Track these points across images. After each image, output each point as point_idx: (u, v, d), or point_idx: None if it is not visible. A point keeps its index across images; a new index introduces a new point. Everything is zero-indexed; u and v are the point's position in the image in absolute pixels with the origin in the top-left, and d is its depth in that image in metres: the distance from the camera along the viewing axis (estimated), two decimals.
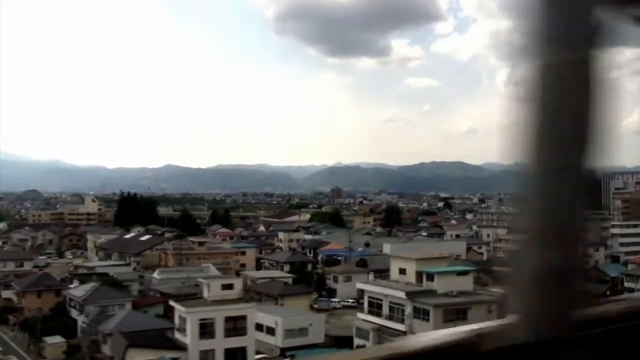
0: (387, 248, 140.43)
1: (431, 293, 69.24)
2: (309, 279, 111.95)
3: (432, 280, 70.92)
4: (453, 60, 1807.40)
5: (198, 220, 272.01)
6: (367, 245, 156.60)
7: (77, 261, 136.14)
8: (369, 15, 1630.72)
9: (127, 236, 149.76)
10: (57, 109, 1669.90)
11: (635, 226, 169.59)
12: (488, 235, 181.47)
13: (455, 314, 66.08)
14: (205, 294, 71.22)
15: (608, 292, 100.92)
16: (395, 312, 70.26)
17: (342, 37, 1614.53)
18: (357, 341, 70.83)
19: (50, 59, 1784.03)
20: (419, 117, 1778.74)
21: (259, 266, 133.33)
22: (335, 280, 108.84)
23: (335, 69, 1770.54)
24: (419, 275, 72.77)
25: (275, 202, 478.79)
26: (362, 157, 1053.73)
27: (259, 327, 71.46)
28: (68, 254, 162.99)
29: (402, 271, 75.76)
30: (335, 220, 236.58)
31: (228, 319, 65.68)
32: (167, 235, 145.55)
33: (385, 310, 71.55)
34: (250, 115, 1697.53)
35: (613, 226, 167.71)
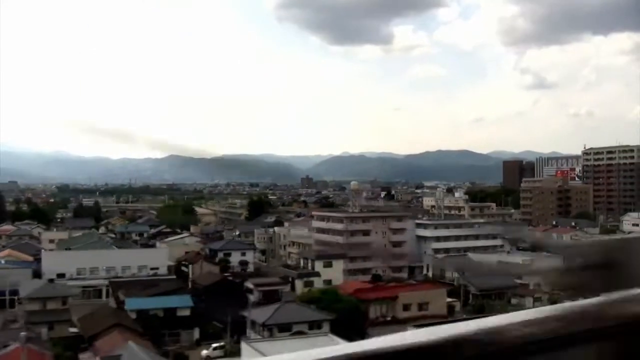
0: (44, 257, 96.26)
1: None
2: None
3: None
4: (457, 48, 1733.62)
5: (66, 214, 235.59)
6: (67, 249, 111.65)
7: None
8: (371, 2, 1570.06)
9: None
10: (62, 100, 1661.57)
11: (459, 226, 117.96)
12: (284, 237, 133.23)
13: None
14: None
15: None
16: None
17: (344, 24, 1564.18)
18: None
19: (54, 51, 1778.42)
20: (424, 105, 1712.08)
21: None
22: None
23: (339, 57, 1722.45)
24: None
25: (245, 192, 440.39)
26: (368, 147, 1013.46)
27: None
28: None
29: None
30: (188, 212, 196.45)
31: None
32: None
33: None
34: (256, 105, 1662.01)
35: (426, 226, 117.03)
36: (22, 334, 66.04)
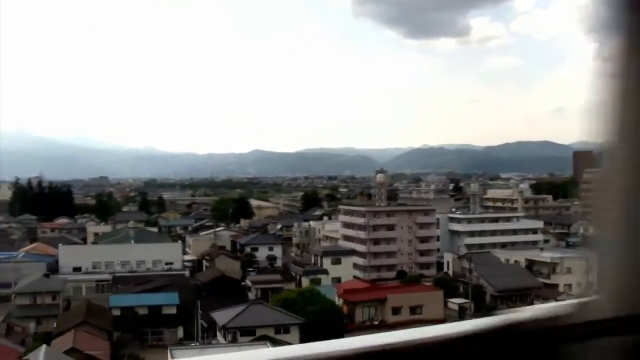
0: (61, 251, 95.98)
1: None
2: None
3: None
4: (535, 38, 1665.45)
5: (132, 208, 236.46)
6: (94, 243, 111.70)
7: None
8: None
9: None
10: (150, 97, 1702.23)
11: (495, 220, 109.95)
12: (319, 231, 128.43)
13: None
14: None
15: None
16: None
17: (420, 17, 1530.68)
18: None
19: (136, 50, 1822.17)
20: (502, 96, 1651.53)
21: None
22: None
23: (416, 50, 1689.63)
24: None
25: (321, 185, 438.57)
26: (447, 139, 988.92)
27: None
28: None
29: None
30: (242, 205, 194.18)
31: None
32: None
33: None
34: (337, 100, 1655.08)
35: (459, 221, 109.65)
36: None
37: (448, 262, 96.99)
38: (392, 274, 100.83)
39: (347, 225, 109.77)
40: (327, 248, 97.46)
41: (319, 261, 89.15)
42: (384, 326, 62.72)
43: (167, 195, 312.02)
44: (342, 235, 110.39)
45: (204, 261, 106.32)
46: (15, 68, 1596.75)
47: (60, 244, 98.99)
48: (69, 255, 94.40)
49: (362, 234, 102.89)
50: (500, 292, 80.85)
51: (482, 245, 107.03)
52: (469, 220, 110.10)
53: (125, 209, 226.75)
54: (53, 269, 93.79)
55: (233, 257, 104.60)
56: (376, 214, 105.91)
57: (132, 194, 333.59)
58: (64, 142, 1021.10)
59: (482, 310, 76.67)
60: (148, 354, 64.54)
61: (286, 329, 56.66)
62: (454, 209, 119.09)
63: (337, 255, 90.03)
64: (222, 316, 57.76)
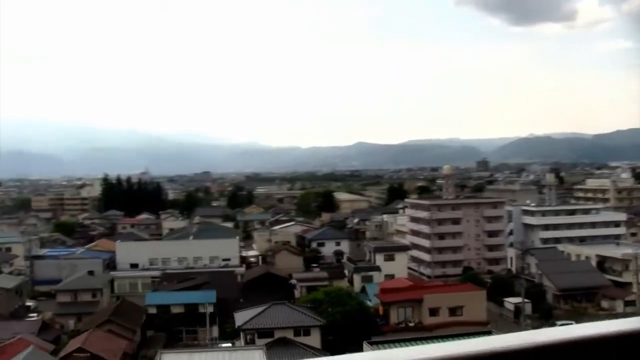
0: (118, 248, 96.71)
1: None
2: None
3: None
4: None
5: (217, 203, 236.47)
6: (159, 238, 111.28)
7: None
8: None
9: None
10: (256, 94, 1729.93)
11: (572, 212, 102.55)
12: (391, 225, 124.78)
13: None
14: None
15: None
16: None
17: (524, 3, 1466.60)
18: None
19: (240, 47, 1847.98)
20: (613, 82, 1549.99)
21: None
22: None
23: (520, 37, 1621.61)
24: None
25: (422, 177, 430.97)
26: (555, 128, 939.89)
27: None
28: None
29: None
30: (327, 199, 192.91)
31: None
32: None
33: None
34: (441, 90, 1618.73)
35: (533, 213, 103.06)
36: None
37: (511, 258, 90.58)
38: (458, 269, 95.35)
39: (413, 219, 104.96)
40: (380, 243, 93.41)
41: (372, 257, 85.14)
42: (420, 328, 58.24)
43: (263, 190, 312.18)
44: (410, 230, 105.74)
45: (267, 257, 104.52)
46: (127, 69, 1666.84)
47: (118, 241, 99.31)
48: (126, 252, 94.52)
49: (426, 228, 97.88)
50: (563, 291, 74.42)
51: (557, 240, 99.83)
52: (543, 213, 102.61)
53: (215, 203, 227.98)
54: (112, 265, 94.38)
55: (295, 253, 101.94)
56: (441, 207, 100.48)
57: (229, 189, 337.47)
58: (172, 139, 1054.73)
59: (540, 311, 70.77)
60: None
61: (306, 331, 53.32)
62: (527, 201, 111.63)
63: (390, 251, 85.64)
64: (242, 317, 55.08)
